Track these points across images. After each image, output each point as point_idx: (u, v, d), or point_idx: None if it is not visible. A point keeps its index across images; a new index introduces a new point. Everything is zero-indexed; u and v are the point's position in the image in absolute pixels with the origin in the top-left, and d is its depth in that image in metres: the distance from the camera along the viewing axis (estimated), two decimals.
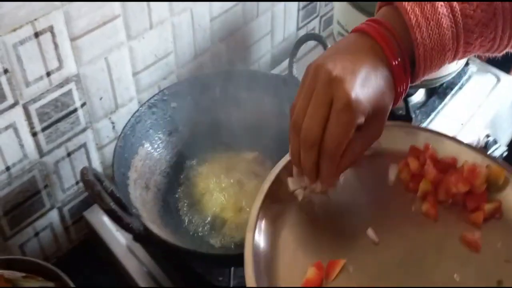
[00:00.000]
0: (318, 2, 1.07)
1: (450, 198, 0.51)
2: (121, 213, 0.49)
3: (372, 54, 0.47)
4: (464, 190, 0.50)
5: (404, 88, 0.49)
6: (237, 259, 0.46)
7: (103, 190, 0.49)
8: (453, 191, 0.50)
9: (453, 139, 0.55)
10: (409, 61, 0.48)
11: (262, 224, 0.49)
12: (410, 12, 0.46)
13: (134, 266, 0.67)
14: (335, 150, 0.46)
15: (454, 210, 0.52)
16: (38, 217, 0.75)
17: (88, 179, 0.48)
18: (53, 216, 0.77)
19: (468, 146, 0.54)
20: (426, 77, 0.51)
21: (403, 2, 0.47)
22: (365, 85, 0.45)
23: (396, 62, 0.47)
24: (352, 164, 0.48)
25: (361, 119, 0.45)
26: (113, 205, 0.48)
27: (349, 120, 0.45)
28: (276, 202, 0.51)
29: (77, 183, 0.78)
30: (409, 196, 0.53)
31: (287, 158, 0.53)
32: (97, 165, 0.79)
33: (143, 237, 0.52)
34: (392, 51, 0.47)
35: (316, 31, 1.12)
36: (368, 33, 0.48)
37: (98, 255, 0.76)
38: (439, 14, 0.46)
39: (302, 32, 1.08)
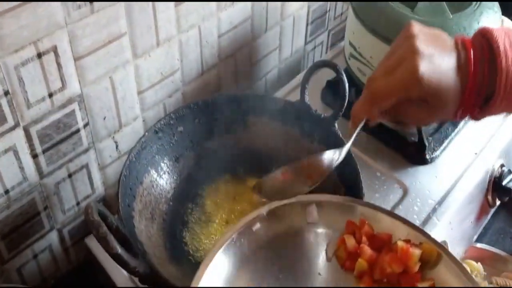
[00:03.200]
0: (327, 16, 1.05)
1: (385, 277, 0.51)
2: (127, 257, 0.47)
3: (455, 52, 0.49)
4: (398, 271, 0.50)
5: (471, 110, 0.51)
6: None
7: (108, 231, 0.46)
8: (388, 271, 0.50)
9: (389, 213, 0.55)
10: (485, 90, 0.49)
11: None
12: (499, 40, 0.48)
13: None
14: (374, 97, 0.50)
15: None
16: (37, 239, 0.73)
17: (92, 219, 0.46)
18: (53, 237, 0.75)
19: (403, 220, 0.54)
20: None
21: (494, 32, 0.49)
22: (436, 66, 0.48)
23: (475, 71, 0.48)
24: (379, 119, 0.51)
25: (413, 94, 0.48)
26: (119, 248, 0.46)
27: (403, 84, 0.48)
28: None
29: (77, 204, 0.76)
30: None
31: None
32: (98, 185, 0.77)
33: (150, 280, 0.50)
34: (476, 60, 0.49)
35: (324, 46, 1.10)
36: (462, 40, 0.50)
37: (97, 276, 0.74)
38: None
39: (310, 47, 1.06)
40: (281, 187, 0.55)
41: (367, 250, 0.52)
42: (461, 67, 0.49)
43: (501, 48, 0.48)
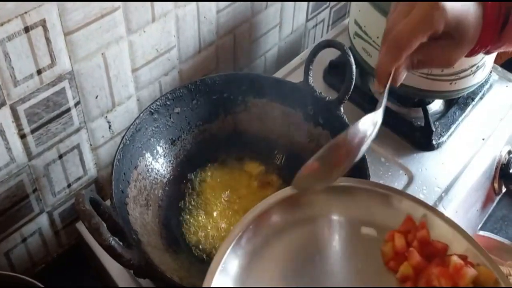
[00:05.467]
0: None
1: None
2: (121, 249, 0.44)
3: None
4: (446, 286, 0.45)
5: (489, 40, 0.48)
6: None
7: (101, 221, 0.43)
8: (434, 284, 0.46)
9: (449, 221, 0.50)
10: (502, 18, 0.47)
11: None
12: None
13: (127, 282, 0.63)
14: (398, 42, 0.46)
15: None
16: (25, 222, 0.70)
17: (84, 209, 0.43)
18: (42, 221, 0.72)
19: (464, 234, 0.49)
20: None
21: None
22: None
23: (492, 4, 0.47)
24: (406, 70, 0.48)
25: (438, 26, 0.45)
26: (112, 240, 0.43)
27: (426, 19, 0.45)
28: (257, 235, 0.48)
29: (68, 186, 0.73)
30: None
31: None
32: (91, 166, 0.74)
33: (145, 273, 0.47)
34: None
35: (326, 23, 1.06)
36: None
37: (89, 260, 0.72)
38: None
39: (311, 24, 1.02)
40: (317, 176, 0.50)
41: (416, 255, 0.47)
42: None
43: None
